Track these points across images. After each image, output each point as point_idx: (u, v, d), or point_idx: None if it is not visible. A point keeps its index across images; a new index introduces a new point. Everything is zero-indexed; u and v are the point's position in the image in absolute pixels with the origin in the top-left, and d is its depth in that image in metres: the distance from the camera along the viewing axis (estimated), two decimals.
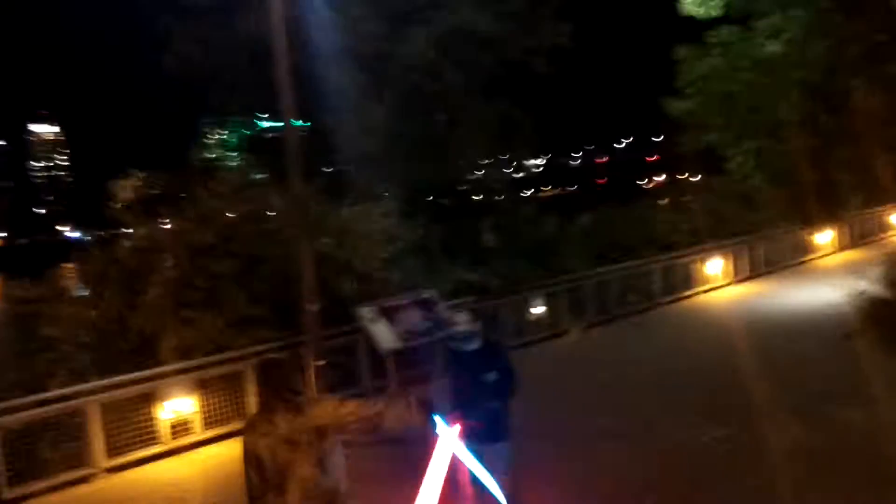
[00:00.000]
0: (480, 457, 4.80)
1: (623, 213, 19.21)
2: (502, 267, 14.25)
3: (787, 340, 11.41)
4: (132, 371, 8.79)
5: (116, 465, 8.16)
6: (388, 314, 10.79)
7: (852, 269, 12.57)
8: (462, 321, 5.52)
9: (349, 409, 3.82)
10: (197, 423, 8.82)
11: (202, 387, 8.89)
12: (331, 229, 11.64)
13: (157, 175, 13.63)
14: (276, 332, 10.10)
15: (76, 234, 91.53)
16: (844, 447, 6.93)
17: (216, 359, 9.13)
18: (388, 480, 6.61)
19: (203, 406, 8.87)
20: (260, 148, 20.42)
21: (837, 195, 9.80)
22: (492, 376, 5.26)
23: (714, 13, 12.30)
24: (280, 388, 3.83)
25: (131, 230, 12.06)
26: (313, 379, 8.41)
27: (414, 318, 11.02)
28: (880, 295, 10.66)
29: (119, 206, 12.31)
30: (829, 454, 6.78)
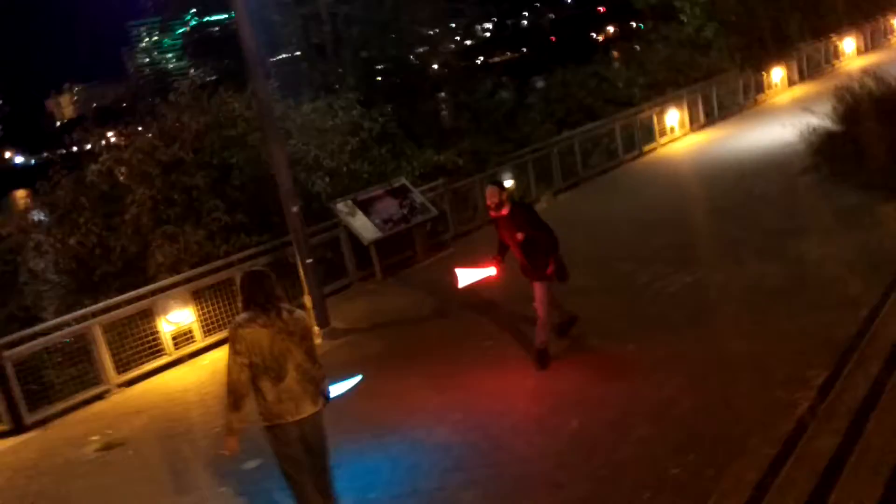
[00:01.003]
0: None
1: (579, 74, 19.20)
2: (467, 146, 14.41)
3: (746, 182, 11.95)
4: (121, 292, 9.09)
5: (127, 379, 8.60)
6: (365, 206, 11.10)
7: (802, 105, 12.95)
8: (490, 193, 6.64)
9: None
10: (197, 332, 9.21)
11: (197, 297, 9.21)
12: (296, 128, 11.65)
13: (95, 87, 13.32)
14: (257, 236, 10.36)
15: (21, 160, 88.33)
16: (799, 277, 7.53)
17: (207, 268, 9.41)
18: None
19: (200, 315, 9.23)
20: (202, 48, 19.81)
21: (786, 35, 10.00)
22: (520, 235, 6.48)
23: None
24: (267, 297, 4.40)
25: (88, 147, 11.94)
26: (303, 276, 8.79)
27: (390, 206, 11.36)
28: (830, 129, 11.13)
29: (60, 124, 12.11)
30: (785, 285, 7.40)
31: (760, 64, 14.40)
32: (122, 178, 10.57)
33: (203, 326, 9.26)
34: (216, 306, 9.39)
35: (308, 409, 4.37)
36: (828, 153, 10.86)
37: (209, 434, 6.72)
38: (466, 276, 6.92)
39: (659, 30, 22.32)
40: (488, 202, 6.66)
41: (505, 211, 6.58)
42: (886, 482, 3.77)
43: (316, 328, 8.69)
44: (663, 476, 4.65)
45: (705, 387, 5.74)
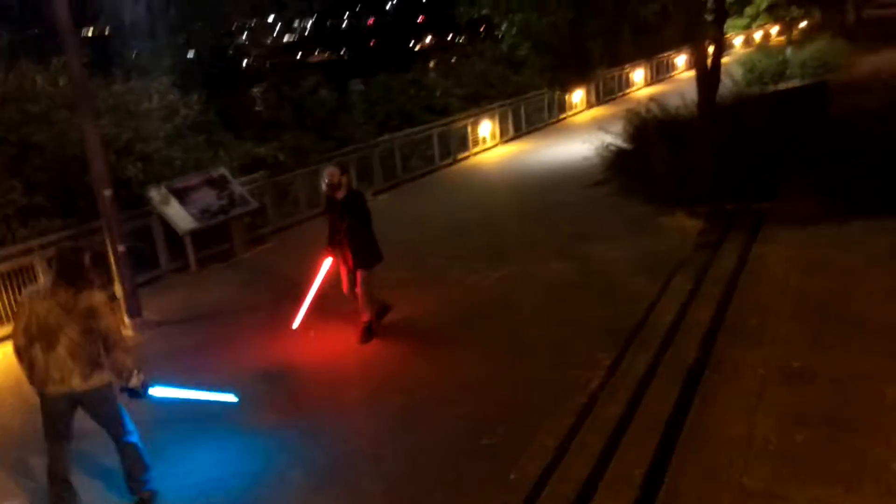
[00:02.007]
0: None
1: (399, 80, 19.77)
2: (289, 140, 14.35)
3: (548, 191, 13.06)
4: None
5: None
6: (180, 195, 10.76)
7: (599, 125, 14.32)
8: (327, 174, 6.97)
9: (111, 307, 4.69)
10: None
11: None
12: (106, 108, 11.02)
13: None
14: (60, 220, 9.71)
15: None
16: (591, 275, 8.46)
17: (2, 253, 8.66)
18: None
19: None
20: None
21: (588, 60, 11.14)
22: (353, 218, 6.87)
23: None
24: (76, 275, 4.53)
25: None
26: (114, 265, 8.40)
27: (208, 196, 11.10)
28: (621, 147, 12.48)
29: None
30: (579, 282, 8.29)
31: (567, 85, 15.76)
32: None
33: None
34: (11, 295, 8.68)
35: (76, 384, 4.52)
36: (619, 168, 12.15)
37: (6, 428, 6.29)
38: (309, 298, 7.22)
39: (475, 45, 23.66)
40: (327, 180, 6.87)
41: (340, 194, 6.84)
42: (660, 438, 4.48)
43: (127, 319, 8.37)
44: (476, 445, 5.13)
45: (512, 368, 6.34)
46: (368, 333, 7.15)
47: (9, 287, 8.64)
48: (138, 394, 4.71)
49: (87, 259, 4.61)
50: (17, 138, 10.02)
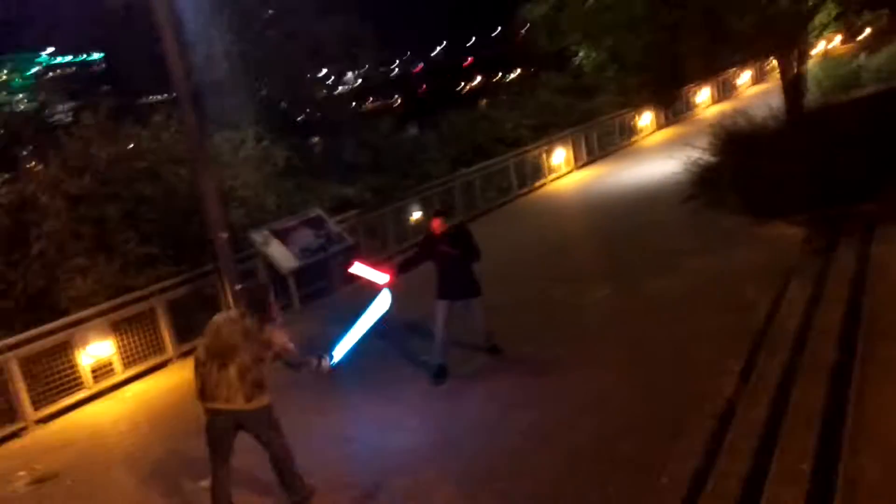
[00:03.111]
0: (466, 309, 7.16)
1: (467, 116, 20.14)
2: (372, 180, 14.79)
3: (635, 211, 13.03)
4: (26, 328, 8.65)
5: (45, 415, 8.19)
6: (281, 236, 11.19)
7: (671, 145, 14.32)
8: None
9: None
10: (117, 364, 8.93)
11: (116, 329, 8.95)
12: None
13: None
14: (174, 266, 10.21)
15: None
16: (699, 288, 8.41)
17: (125, 299, 9.16)
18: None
19: (120, 347, 8.97)
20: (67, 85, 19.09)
21: (683, 77, 11.23)
22: (456, 251, 7.00)
23: None
24: (262, 308, 5.04)
25: None
26: (232, 303, 8.77)
27: (306, 236, 11.50)
28: (707, 162, 12.40)
29: None
30: (688, 295, 8.25)
31: (664, 101, 15.77)
32: (25, 212, 10.07)
33: (123, 358, 8.99)
34: (136, 338, 9.15)
35: (240, 404, 4.85)
36: (707, 182, 12.06)
37: (153, 459, 6.60)
38: (360, 269, 7.12)
39: (540, 76, 24.00)
40: (436, 229, 7.13)
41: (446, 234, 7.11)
42: (819, 434, 4.43)
43: None
44: (616, 454, 5.15)
45: (635, 380, 6.35)
46: (496, 350, 7.40)
47: (133, 330, 9.12)
48: (331, 373, 5.34)
49: (271, 296, 5.17)
50: (130, 194, 10.63)
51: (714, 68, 23.02)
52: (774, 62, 10.73)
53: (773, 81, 31.13)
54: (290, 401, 5.71)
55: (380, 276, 6.82)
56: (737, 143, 11.74)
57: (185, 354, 9.43)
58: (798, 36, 10.69)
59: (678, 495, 4.49)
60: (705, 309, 7.70)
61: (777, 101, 13.35)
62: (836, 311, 6.29)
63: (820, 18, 11.81)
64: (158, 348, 9.37)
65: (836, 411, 4.61)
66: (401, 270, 7.10)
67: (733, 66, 28.63)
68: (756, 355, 6.14)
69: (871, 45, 23.34)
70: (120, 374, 8.94)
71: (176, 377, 8.92)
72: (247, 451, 5.15)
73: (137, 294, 9.30)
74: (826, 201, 9.88)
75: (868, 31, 25.37)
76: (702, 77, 21.80)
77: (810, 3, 10.69)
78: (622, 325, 7.78)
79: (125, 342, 9.04)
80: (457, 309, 7.14)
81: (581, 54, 11.91)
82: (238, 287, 8.63)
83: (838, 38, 30.87)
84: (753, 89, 30.14)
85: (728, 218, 10.88)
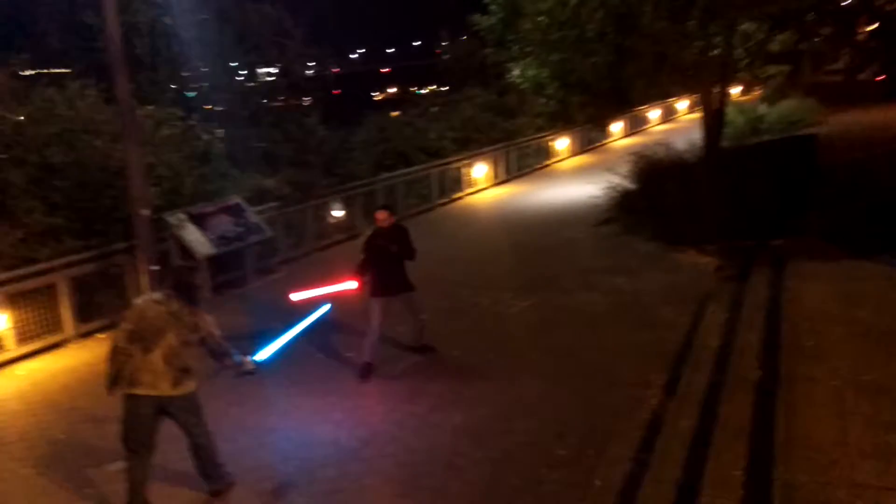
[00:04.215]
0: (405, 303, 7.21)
1: (395, 122, 20.08)
2: (294, 174, 14.45)
3: (556, 229, 13.32)
4: None
5: None
6: (199, 220, 10.74)
7: (586, 170, 14.79)
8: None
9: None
10: (9, 340, 8.27)
11: (12, 302, 8.29)
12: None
13: None
14: (82, 241, 9.60)
15: None
16: (619, 305, 8.68)
17: (25, 272, 8.49)
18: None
19: (15, 322, 8.31)
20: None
21: (626, 99, 11.55)
22: (395, 247, 7.01)
23: None
24: (189, 290, 4.89)
25: None
26: (147, 284, 8.34)
27: (224, 223, 11.08)
28: (626, 188, 12.86)
29: None
30: (609, 311, 8.49)
31: (602, 121, 16.20)
32: None
33: (17, 334, 8.33)
34: (34, 313, 8.51)
35: (165, 389, 4.66)
36: (625, 208, 12.51)
37: (51, 440, 6.14)
38: (316, 292, 6.95)
39: (463, 91, 24.30)
40: (381, 223, 7.17)
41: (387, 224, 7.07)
42: (749, 444, 4.63)
43: None
44: (552, 456, 5.21)
45: (564, 388, 6.45)
46: (427, 349, 7.44)
47: (31, 305, 8.49)
48: (253, 371, 5.07)
49: (197, 279, 5.08)
50: (38, 160, 9.94)
51: (652, 95, 24.04)
52: (686, 103, 11.31)
53: (679, 123, 32.92)
54: (211, 389, 5.46)
55: (348, 285, 6.89)
56: (655, 173, 12.24)
57: (85, 335, 8.88)
58: (727, 74, 11.29)
59: (611, 497, 4.57)
60: (626, 325, 7.94)
61: (682, 138, 14.10)
62: (754, 334, 6.63)
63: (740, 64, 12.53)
64: (56, 326, 8.74)
65: (764, 424, 4.83)
66: (362, 274, 7.05)
67: (651, 101, 29.93)
68: (679, 371, 6.38)
69: (769, 97, 25.03)
70: (12, 351, 8.27)
71: (73, 359, 8.35)
72: (161, 440, 4.88)
73: (38, 267, 8.65)
74: (737, 234, 10.45)
75: (770, 82, 27.22)
76: (643, 102, 22.56)
77: (739, 49, 11.33)
78: (548, 335, 7.91)
79: (21, 317, 8.39)
80: (394, 305, 7.08)
81: (516, 73, 12.10)
82: (152, 268, 8.22)
83: (739, 87, 32.83)
84: (661, 127, 31.68)
85: (644, 243, 11.32)
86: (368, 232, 7.45)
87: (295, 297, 6.94)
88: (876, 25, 13.58)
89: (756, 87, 25.79)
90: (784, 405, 5.00)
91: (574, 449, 5.27)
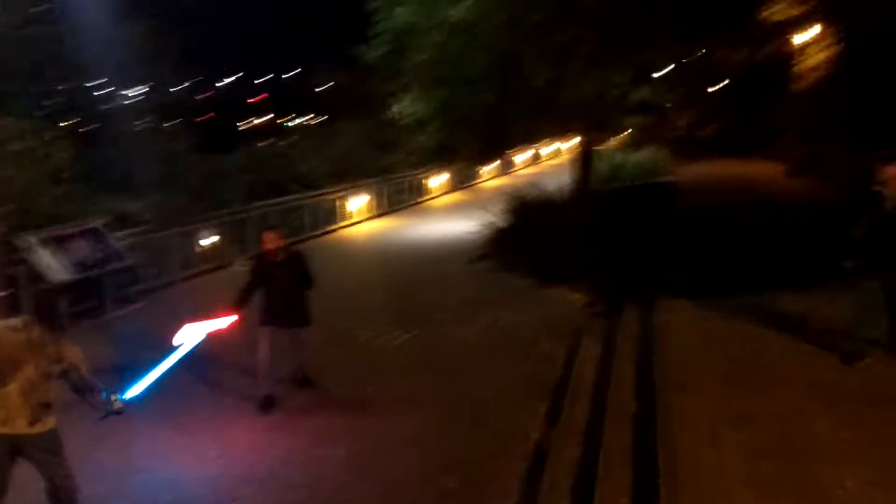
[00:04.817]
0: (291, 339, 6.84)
1: (265, 152, 19.68)
2: (160, 198, 13.73)
3: (432, 263, 13.43)
4: None
5: None
6: (54, 244, 9.96)
7: (459, 207, 15.12)
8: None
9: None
10: None
11: None
12: None
13: None
14: None
15: None
16: (496, 338, 8.80)
17: None
18: None
19: None
20: None
21: (507, 139, 11.82)
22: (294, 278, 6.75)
23: None
24: (52, 317, 4.47)
25: None
26: None
27: (82, 249, 10.37)
28: (499, 225, 13.20)
29: None
30: (487, 343, 8.59)
31: (483, 159, 16.45)
32: None
33: None
34: None
35: (21, 427, 4.24)
36: (498, 245, 12.81)
37: None
38: (193, 331, 6.06)
39: (339, 125, 24.28)
40: (268, 246, 6.72)
41: (280, 255, 6.72)
42: (633, 472, 4.78)
43: None
44: (440, 489, 5.13)
45: (447, 420, 6.40)
46: (307, 382, 7.13)
47: None
48: (120, 411, 4.61)
49: (60, 304, 4.68)
50: None
51: (532, 136, 24.92)
52: (550, 148, 11.91)
53: (543, 167, 34.45)
54: (71, 425, 4.96)
55: (225, 321, 6.23)
56: (527, 211, 12.66)
57: None
58: (600, 119, 11.92)
59: None
60: (505, 357, 8.04)
61: (551, 180, 14.74)
62: (629, 367, 6.92)
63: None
64: None
65: (644, 453, 5.02)
66: (240, 305, 6.60)
67: (531, 141, 31.07)
68: (560, 401, 6.52)
69: (630, 146, 26.75)
70: None
71: None
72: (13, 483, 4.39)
73: None
74: (604, 272, 10.93)
75: (623, 133, 29.10)
76: (525, 142, 23.25)
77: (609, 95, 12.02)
78: (429, 367, 7.86)
79: None
80: (279, 338, 6.74)
81: (401, 105, 12.18)
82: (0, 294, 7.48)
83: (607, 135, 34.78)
84: (528, 170, 33.03)
85: (518, 279, 11.60)
86: (252, 254, 7.02)
87: (176, 340, 6.39)
88: (725, 83, 14.87)
89: (613, 137, 27.58)
90: (663, 434, 5.22)
91: (461, 482, 5.22)
